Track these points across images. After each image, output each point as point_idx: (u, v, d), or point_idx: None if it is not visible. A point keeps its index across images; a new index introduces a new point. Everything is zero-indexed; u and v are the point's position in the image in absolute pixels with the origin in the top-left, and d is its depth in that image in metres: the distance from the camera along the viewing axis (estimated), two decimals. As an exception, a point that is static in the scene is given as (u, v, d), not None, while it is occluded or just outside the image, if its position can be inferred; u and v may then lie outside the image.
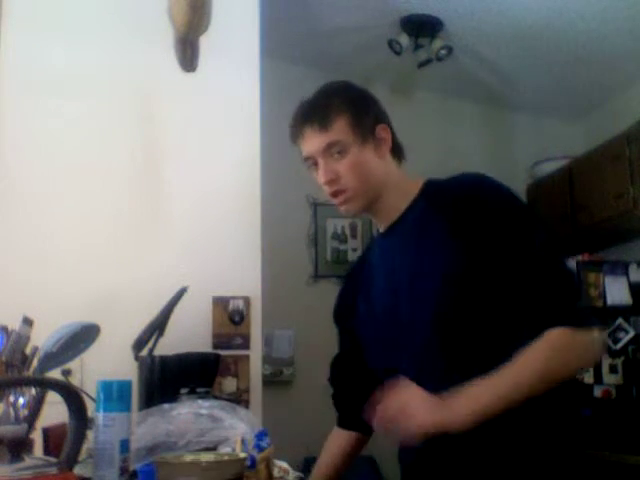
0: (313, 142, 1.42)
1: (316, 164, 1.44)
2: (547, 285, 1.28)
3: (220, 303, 2.42)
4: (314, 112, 1.43)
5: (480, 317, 1.31)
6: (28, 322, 1.26)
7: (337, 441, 1.66)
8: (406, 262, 1.41)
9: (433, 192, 1.43)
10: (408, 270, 1.40)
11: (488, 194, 1.36)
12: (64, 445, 1.03)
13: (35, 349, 1.25)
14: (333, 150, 1.40)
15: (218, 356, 2.12)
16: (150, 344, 1.96)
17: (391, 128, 1.50)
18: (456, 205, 1.34)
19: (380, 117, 1.48)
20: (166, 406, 1.43)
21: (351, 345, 1.58)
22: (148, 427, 1.34)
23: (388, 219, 1.46)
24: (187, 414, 1.39)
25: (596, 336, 1.27)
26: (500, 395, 1.23)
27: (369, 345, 1.52)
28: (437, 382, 1.29)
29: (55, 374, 1.30)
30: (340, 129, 1.40)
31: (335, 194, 1.44)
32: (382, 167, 1.44)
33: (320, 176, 1.43)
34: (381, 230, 1.50)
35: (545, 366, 1.24)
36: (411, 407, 1.23)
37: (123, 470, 1.11)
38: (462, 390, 1.23)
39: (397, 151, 1.49)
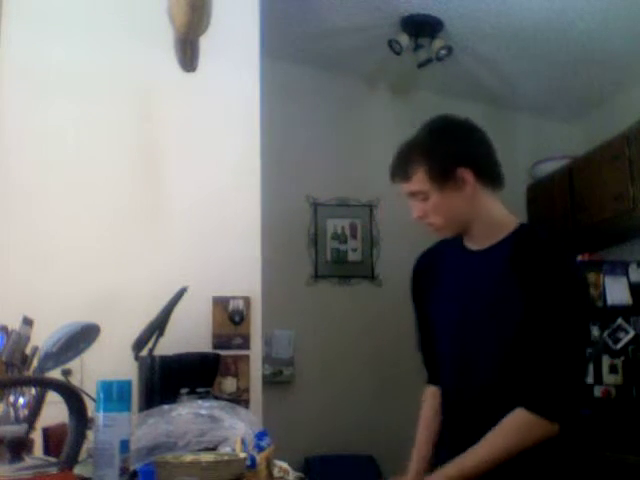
0: (402, 188, 1.67)
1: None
2: (549, 368, 1.48)
3: (220, 303, 2.42)
4: (399, 166, 1.67)
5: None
6: (28, 322, 1.26)
7: (430, 401, 1.81)
8: (482, 298, 1.62)
9: (522, 240, 1.61)
10: (483, 309, 1.60)
11: (564, 274, 1.55)
12: (64, 445, 1.03)
13: (35, 349, 1.25)
14: (417, 197, 1.63)
15: (218, 356, 2.12)
16: (150, 344, 1.96)
17: (478, 163, 1.64)
18: (534, 271, 1.53)
19: (463, 158, 1.62)
20: (166, 407, 1.43)
21: (425, 323, 1.79)
22: (148, 428, 1.34)
23: (478, 243, 1.67)
24: (187, 415, 1.39)
25: (551, 430, 1.48)
26: (478, 466, 1.49)
27: (440, 340, 1.73)
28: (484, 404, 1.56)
29: (55, 374, 1.31)
30: (419, 181, 1.61)
31: (428, 224, 1.67)
32: (465, 201, 1.62)
33: (412, 212, 1.67)
34: (469, 245, 1.70)
35: (517, 445, 1.48)
36: None
37: (123, 470, 1.11)
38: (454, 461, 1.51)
39: (489, 182, 1.66)
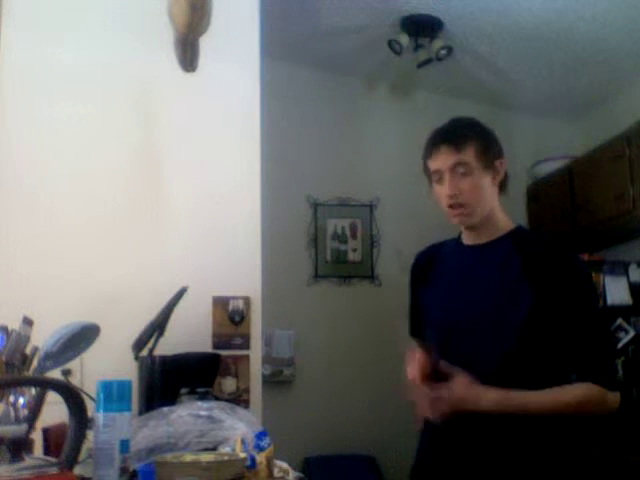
0: (446, 158, 1.68)
1: (440, 180, 1.70)
2: (598, 349, 1.61)
3: (220, 303, 2.42)
4: (453, 135, 1.71)
5: (537, 362, 1.62)
6: (28, 322, 1.26)
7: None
8: (485, 288, 1.68)
9: (521, 239, 1.72)
10: (488, 298, 1.67)
11: (572, 268, 1.65)
12: (64, 445, 1.03)
13: (35, 349, 1.25)
14: (459, 169, 1.67)
15: (218, 356, 2.12)
16: (150, 344, 1.96)
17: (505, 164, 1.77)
18: (542, 265, 1.62)
19: (501, 153, 1.76)
20: (165, 409, 1.43)
21: (418, 311, 1.89)
22: (148, 430, 1.34)
23: (478, 238, 1.74)
24: (187, 416, 1.39)
25: (618, 399, 1.63)
26: (529, 407, 1.58)
27: (431, 328, 1.82)
28: None
29: (55, 374, 1.30)
30: (471, 153, 1.67)
31: (453, 206, 1.69)
32: (493, 194, 1.73)
33: (445, 188, 1.68)
34: (467, 241, 1.78)
35: (576, 406, 1.60)
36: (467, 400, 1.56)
37: (123, 470, 1.11)
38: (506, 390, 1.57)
39: (504, 184, 1.78)
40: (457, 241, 1.82)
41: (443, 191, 1.70)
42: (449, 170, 1.68)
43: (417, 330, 1.93)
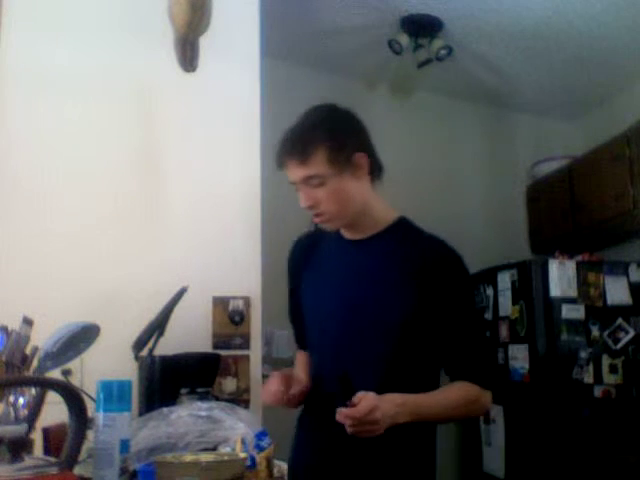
0: (294, 172, 1.56)
1: (297, 190, 1.59)
2: (474, 347, 1.58)
3: (220, 303, 2.42)
4: (294, 146, 1.55)
5: (415, 359, 1.58)
6: (28, 322, 1.26)
7: (303, 358, 1.84)
8: (366, 285, 1.60)
9: (403, 234, 1.63)
10: (369, 295, 1.59)
11: (452, 266, 1.59)
12: (64, 445, 1.03)
13: (35, 349, 1.25)
14: (312, 181, 1.54)
15: (218, 356, 2.12)
16: (150, 344, 1.96)
17: (370, 152, 1.60)
18: (424, 263, 1.55)
19: (359, 144, 1.58)
20: (165, 410, 1.43)
21: (296, 302, 1.83)
22: (148, 430, 1.34)
23: (358, 233, 1.64)
24: (187, 417, 1.39)
25: (490, 399, 1.59)
26: (431, 412, 1.53)
27: (308, 326, 1.75)
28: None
29: (55, 374, 1.30)
30: (317, 163, 1.52)
31: (315, 215, 1.59)
32: (359, 191, 1.58)
33: (301, 201, 1.58)
34: (347, 235, 1.67)
35: (463, 407, 1.57)
36: (381, 417, 1.41)
37: (123, 470, 1.11)
38: (412, 401, 1.50)
39: (375, 172, 1.62)
40: (338, 234, 1.70)
41: (301, 203, 1.59)
42: (301, 182, 1.56)
43: (296, 318, 1.84)
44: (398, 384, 1.53)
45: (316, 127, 1.56)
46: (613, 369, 3.47)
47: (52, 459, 1.09)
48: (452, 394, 1.57)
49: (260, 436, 1.32)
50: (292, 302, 1.88)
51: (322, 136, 1.53)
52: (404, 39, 3.59)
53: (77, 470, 1.10)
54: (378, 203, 1.64)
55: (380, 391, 1.45)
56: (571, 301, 3.49)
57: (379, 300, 1.57)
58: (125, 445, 1.12)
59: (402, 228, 1.64)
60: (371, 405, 1.39)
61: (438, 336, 1.57)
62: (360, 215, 1.60)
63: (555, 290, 3.49)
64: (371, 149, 1.61)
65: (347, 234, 1.67)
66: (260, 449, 1.27)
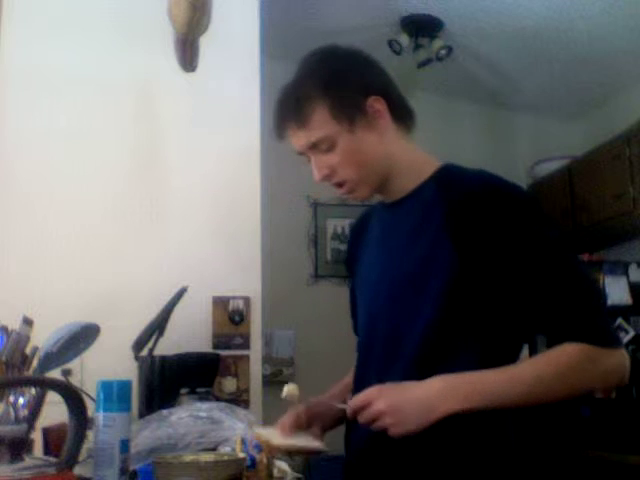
0: (297, 140, 1.30)
1: (309, 160, 1.33)
2: (566, 293, 1.16)
3: (220, 303, 2.42)
4: (289, 108, 1.28)
5: (470, 332, 1.22)
6: (28, 322, 1.25)
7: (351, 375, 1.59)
8: (399, 256, 1.31)
9: (447, 181, 1.29)
10: (405, 263, 1.29)
11: (502, 202, 1.22)
12: (64, 445, 1.03)
13: (35, 349, 1.25)
14: (320, 146, 1.28)
15: (218, 356, 2.12)
16: (150, 344, 1.96)
17: (388, 94, 1.31)
18: (469, 213, 1.20)
19: (369, 87, 1.29)
20: (165, 412, 1.43)
21: (353, 292, 1.54)
22: (148, 431, 1.34)
23: (394, 194, 1.35)
24: (187, 418, 1.39)
25: (623, 357, 1.16)
26: (494, 401, 1.16)
27: (358, 311, 1.48)
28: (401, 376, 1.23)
29: (55, 374, 1.30)
30: (320, 123, 1.26)
31: (337, 185, 1.32)
32: (382, 144, 1.29)
33: (314, 174, 1.32)
34: (387, 199, 1.39)
35: (558, 383, 1.15)
36: (403, 412, 1.15)
37: (123, 470, 1.11)
38: (464, 381, 1.16)
39: (402, 117, 1.32)
40: (381, 202, 1.42)
41: (314, 176, 1.32)
42: (308, 150, 1.29)
43: (354, 309, 1.53)
44: (453, 363, 1.20)
45: (310, 78, 1.28)
46: (613, 369, 3.46)
47: (52, 459, 1.09)
48: (543, 359, 1.17)
49: (260, 436, 1.32)
50: (351, 294, 1.55)
51: (318, 88, 1.25)
52: (404, 39, 3.59)
53: (77, 470, 1.10)
54: (411, 153, 1.34)
55: (423, 370, 1.19)
56: (571, 301, 3.48)
57: (416, 267, 1.26)
58: (125, 445, 1.12)
59: (445, 176, 1.30)
60: (365, 397, 1.17)
61: (512, 295, 1.19)
62: (390, 172, 1.31)
63: (555, 290, 3.48)
64: (389, 90, 1.31)
65: (385, 199, 1.38)
66: (260, 449, 1.27)
